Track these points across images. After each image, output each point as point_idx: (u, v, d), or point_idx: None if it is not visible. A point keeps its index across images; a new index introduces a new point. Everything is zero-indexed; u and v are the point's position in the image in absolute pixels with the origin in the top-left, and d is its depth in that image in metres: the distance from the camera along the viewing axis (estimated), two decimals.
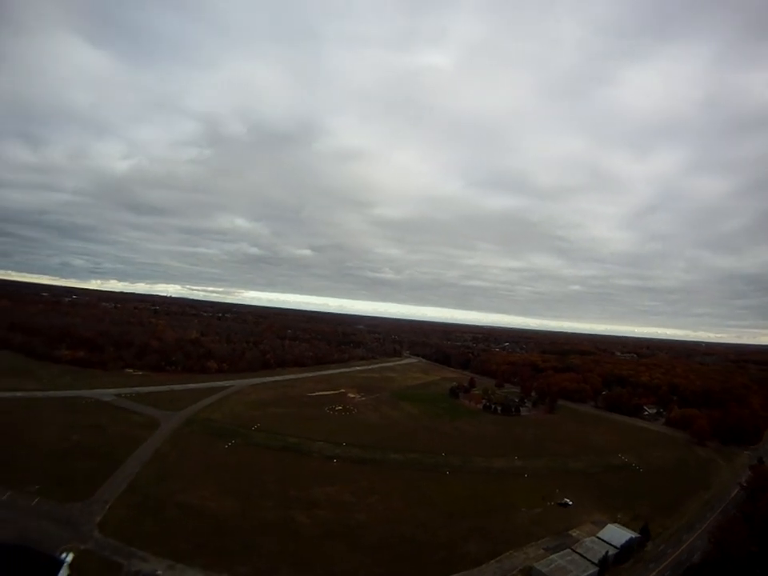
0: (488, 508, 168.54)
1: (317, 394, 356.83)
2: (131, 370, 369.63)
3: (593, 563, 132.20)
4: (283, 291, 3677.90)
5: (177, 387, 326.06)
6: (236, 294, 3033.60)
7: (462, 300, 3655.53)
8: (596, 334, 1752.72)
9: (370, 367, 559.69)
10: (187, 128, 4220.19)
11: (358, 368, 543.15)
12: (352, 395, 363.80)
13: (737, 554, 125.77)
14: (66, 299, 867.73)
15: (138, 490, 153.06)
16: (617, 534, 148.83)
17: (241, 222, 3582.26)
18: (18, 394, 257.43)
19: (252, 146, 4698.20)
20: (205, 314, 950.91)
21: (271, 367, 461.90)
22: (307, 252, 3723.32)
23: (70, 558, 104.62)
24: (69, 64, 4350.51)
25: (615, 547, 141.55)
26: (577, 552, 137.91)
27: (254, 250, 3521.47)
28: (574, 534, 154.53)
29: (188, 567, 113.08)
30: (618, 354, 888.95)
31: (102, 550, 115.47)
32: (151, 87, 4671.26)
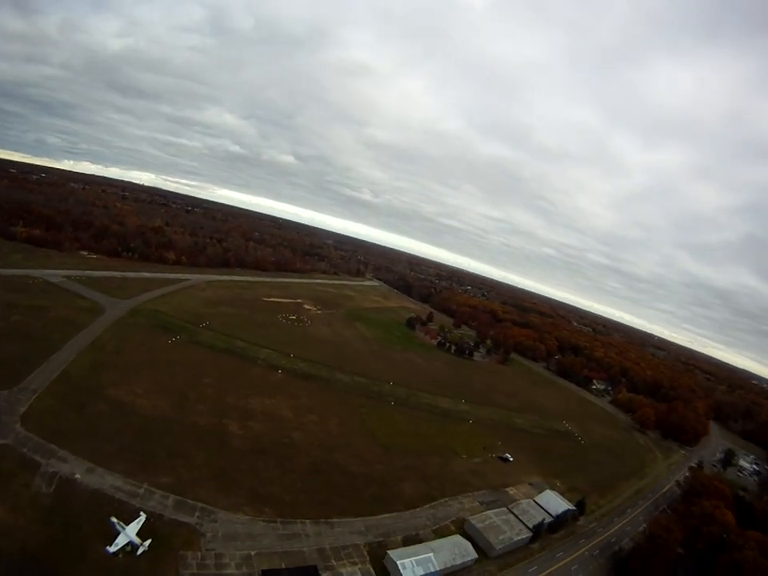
0: (428, 449, 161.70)
1: (272, 300, 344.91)
2: (86, 253, 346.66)
3: (527, 527, 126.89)
4: (258, 194, 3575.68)
5: (130, 275, 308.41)
6: (210, 190, 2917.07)
7: (434, 236, 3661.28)
8: (556, 300, 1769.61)
9: (330, 282, 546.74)
10: (193, 13, 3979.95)
11: (318, 281, 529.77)
12: (308, 307, 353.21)
13: (666, 552, 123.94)
14: (35, 177, 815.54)
15: (68, 380, 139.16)
16: (553, 502, 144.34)
17: (228, 118, 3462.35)
18: None
19: (257, 42, 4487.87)
20: (174, 206, 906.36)
21: (231, 266, 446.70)
22: (290, 159, 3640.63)
23: None
24: None
25: (551, 515, 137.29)
26: (513, 513, 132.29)
27: (236, 149, 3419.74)
28: (510, 492, 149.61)
29: (108, 472, 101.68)
30: (575, 324, 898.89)
31: (22, 446, 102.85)
32: None
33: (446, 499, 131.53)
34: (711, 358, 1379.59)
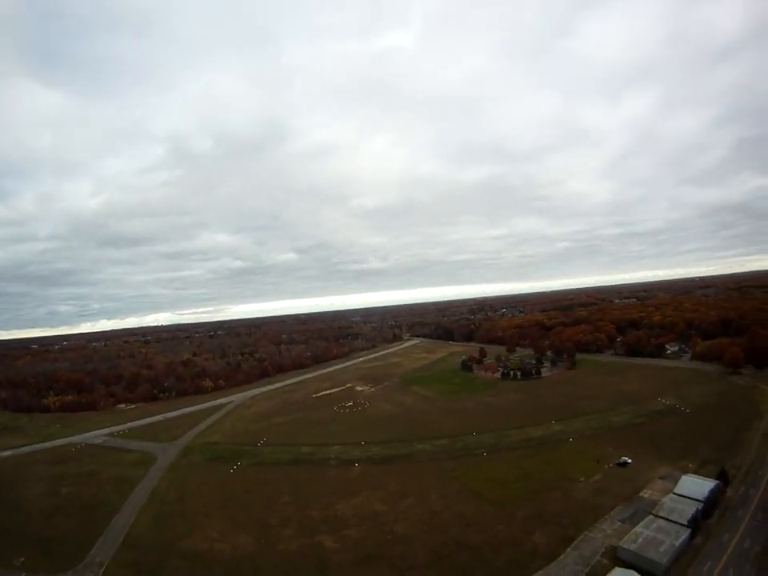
0: (541, 486, 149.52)
1: (322, 393, 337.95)
2: (123, 405, 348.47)
3: (683, 525, 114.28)
4: (273, 299, 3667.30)
5: (172, 414, 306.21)
6: (226, 310, 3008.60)
7: (451, 276, 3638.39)
8: (588, 287, 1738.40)
9: (372, 356, 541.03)
10: (153, 153, 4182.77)
11: (360, 359, 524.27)
12: (360, 388, 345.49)
13: None
14: (56, 346, 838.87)
15: (135, 544, 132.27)
16: (695, 486, 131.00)
17: (221, 238, 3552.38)
18: (5, 453, 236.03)
19: (221, 158, 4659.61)
20: (197, 335, 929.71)
21: (270, 375, 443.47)
22: (291, 256, 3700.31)
23: None
24: (24, 109, 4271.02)
25: (699, 501, 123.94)
26: (660, 516, 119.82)
27: (238, 263, 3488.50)
28: (646, 496, 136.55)
29: None
30: (617, 301, 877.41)
31: None
32: (111, 118, 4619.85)
33: (585, 533, 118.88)
34: (758, 272, 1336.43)
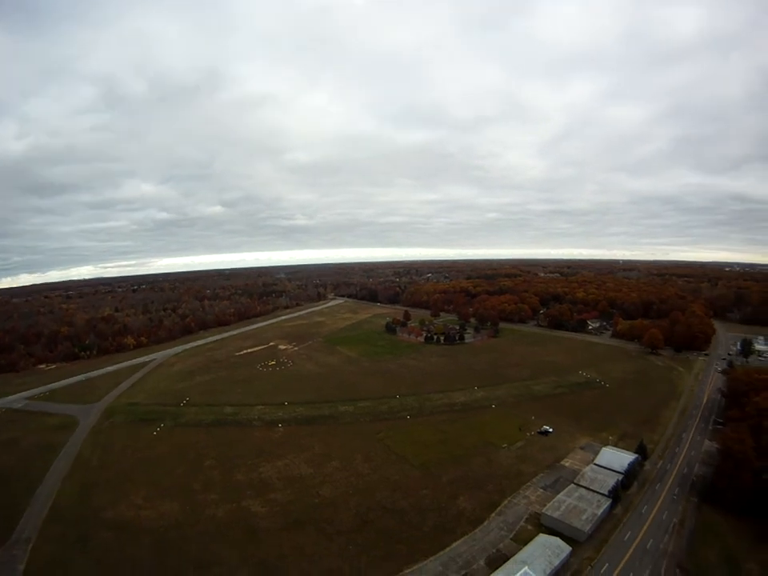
0: (465, 452, 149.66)
1: (245, 351, 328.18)
2: (44, 366, 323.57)
3: (604, 495, 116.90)
4: (198, 253, 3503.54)
5: (93, 374, 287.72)
6: (150, 263, 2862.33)
7: (380, 237, 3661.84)
8: (514, 259, 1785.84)
9: (297, 314, 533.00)
10: (84, 94, 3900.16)
11: (284, 317, 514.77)
12: (283, 347, 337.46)
13: (747, 464, 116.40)
14: None
15: (61, 516, 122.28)
16: (616, 458, 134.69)
17: (147, 187, 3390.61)
18: None
19: (154, 103, 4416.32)
20: (120, 290, 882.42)
21: (193, 331, 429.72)
22: (218, 208, 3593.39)
23: None
24: None
25: (619, 473, 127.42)
26: (582, 485, 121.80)
27: (164, 215, 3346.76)
28: (567, 465, 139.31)
29: None
30: (542, 274, 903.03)
31: None
32: (40, 55, 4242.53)
33: (509, 499, 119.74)
34: (679, 261, 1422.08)
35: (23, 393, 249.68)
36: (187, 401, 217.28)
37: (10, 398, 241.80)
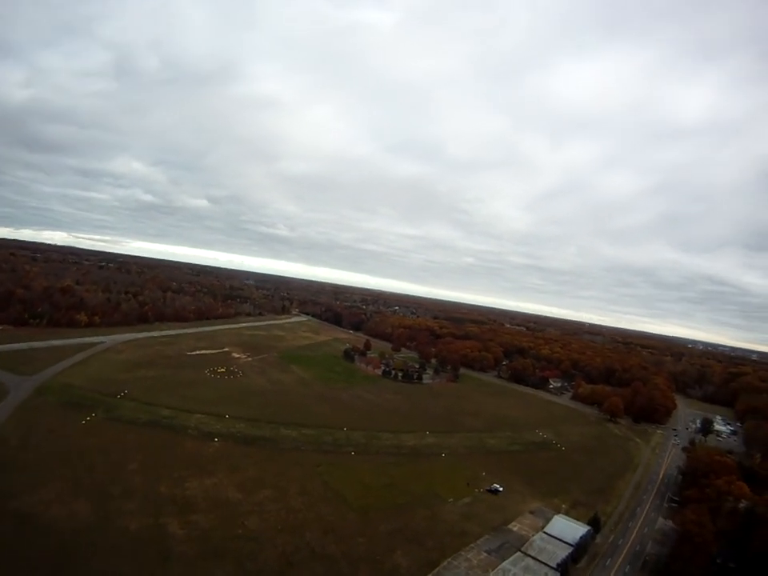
0: (408, 500, 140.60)
1: (197, 352, 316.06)
2: None
3: (552, 568, 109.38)
4: (174, 243, 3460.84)
5: (37, 344, 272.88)
6: (124, 243, 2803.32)
7: (354, 262, 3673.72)
8: (483, 306, 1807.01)
9: (257, 324, 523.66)
10: (97, 57, 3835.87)
11: (244, 324, 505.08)
12: (237, 355, 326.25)
13: (705, 548, 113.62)
14: None
15: None
16: (568, 529, 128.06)
17: (137, 166, 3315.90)
18: None
19: (163, 82, 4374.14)
20: (86, 263, 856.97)
21: (149, 321, 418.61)
22: (203, 203, 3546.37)
23: None
24: None
25: (569, 545, 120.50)
26: (529, 555, 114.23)
27: (148, 197, 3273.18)
28: (514, 529, 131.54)
29: None
30: (508, 325, 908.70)
31: None
32: (64, 6, 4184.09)
33: (449, 560, 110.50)
34: (643, 332, 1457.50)
35: None
36: (125, 393, 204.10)
37: None
